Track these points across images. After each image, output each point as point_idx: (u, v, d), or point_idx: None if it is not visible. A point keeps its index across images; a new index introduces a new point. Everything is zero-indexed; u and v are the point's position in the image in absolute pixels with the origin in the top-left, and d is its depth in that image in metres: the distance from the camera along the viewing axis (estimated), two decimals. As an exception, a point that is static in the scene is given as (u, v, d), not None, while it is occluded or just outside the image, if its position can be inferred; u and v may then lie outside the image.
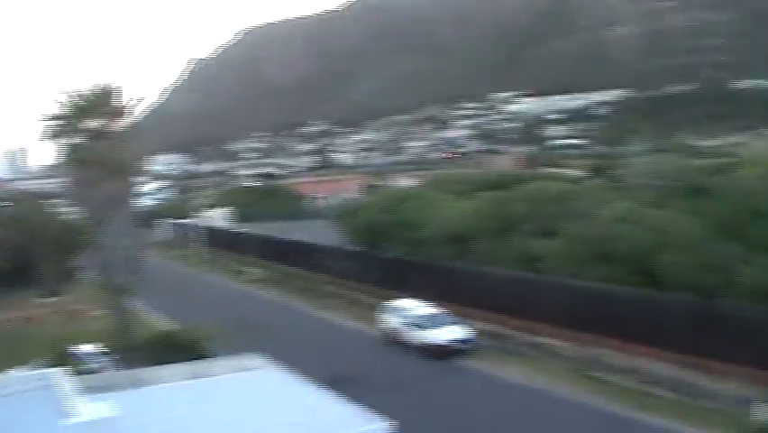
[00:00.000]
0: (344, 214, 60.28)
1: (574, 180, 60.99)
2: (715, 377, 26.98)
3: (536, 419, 25.88)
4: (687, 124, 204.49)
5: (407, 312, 36.36)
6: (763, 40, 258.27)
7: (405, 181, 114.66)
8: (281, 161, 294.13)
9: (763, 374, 25.62)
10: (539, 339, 34.43)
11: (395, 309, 37.40)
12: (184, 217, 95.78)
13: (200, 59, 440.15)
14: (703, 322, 28.45)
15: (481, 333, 35.67)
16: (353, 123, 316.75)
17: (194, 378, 16.56)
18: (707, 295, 28.68)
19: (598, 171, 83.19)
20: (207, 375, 16.70)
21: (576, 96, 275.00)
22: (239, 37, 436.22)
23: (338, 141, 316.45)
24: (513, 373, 31.11)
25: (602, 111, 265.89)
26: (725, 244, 31.58)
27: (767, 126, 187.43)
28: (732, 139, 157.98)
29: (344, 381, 23.55)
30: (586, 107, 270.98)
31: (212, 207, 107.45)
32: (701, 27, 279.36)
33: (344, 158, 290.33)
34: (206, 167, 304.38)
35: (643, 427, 24.57)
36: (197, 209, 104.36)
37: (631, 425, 24.79)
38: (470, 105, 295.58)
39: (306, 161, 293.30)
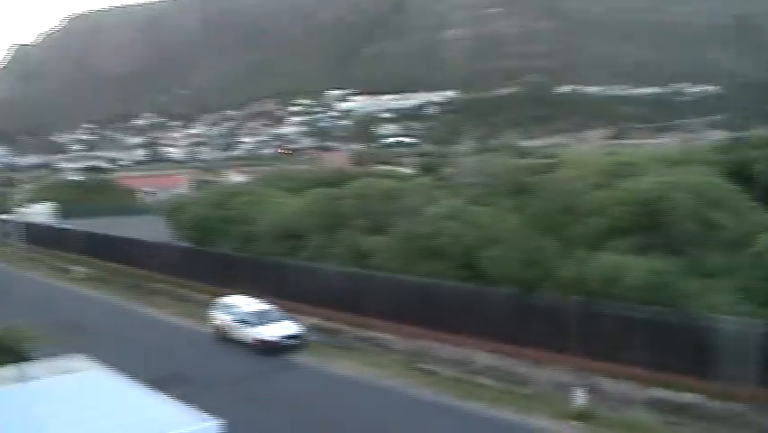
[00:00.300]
0: (174, 209, 59.03)
1: (404, 178, 62.35)
2: (537, 365, 28.56)
3: (363, 411, 26.36)
4: (511, 125, 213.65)
5: (238, 309, 36.08)
6: (582, 48, 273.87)
7: (236, 177, 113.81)
8: (109, 154, 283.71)
9: (580, 361, 27.36)
10: (370, 333, 35.03)
11: (225, 306, 37.03)
12: (3, 213, 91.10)
13: (23, 45, 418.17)
14: (524, 313, 30.01)
15: (313, 328, 35.91)
16: (185, 116, 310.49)
17: (13, 382, 15.84)
18: (527, 288, 30.29)
19: (427, 170, 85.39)
20: (28, 379, 16.00)
21: (408, 95, 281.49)
22: (65, 23, 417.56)
23: (169, 134, 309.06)
24: (343, 366, 31.46)
25: (432, 111, 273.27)
26: (543, 240, 33.52)
27: (584, 129, 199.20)
28: (552, 140, 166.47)
29: (173, 380, 23.18)
30: (417, 107, 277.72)
31: (34, 201, 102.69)
32: (526, 34, 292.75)
33: (175, 152, 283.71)
34: (29, 159, 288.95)
35: (467, 415, 25.46)
36: (18, 204, 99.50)
37: (456, 413, 25.64)
38: (304, 101, 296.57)
39: (135, 155, 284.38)
